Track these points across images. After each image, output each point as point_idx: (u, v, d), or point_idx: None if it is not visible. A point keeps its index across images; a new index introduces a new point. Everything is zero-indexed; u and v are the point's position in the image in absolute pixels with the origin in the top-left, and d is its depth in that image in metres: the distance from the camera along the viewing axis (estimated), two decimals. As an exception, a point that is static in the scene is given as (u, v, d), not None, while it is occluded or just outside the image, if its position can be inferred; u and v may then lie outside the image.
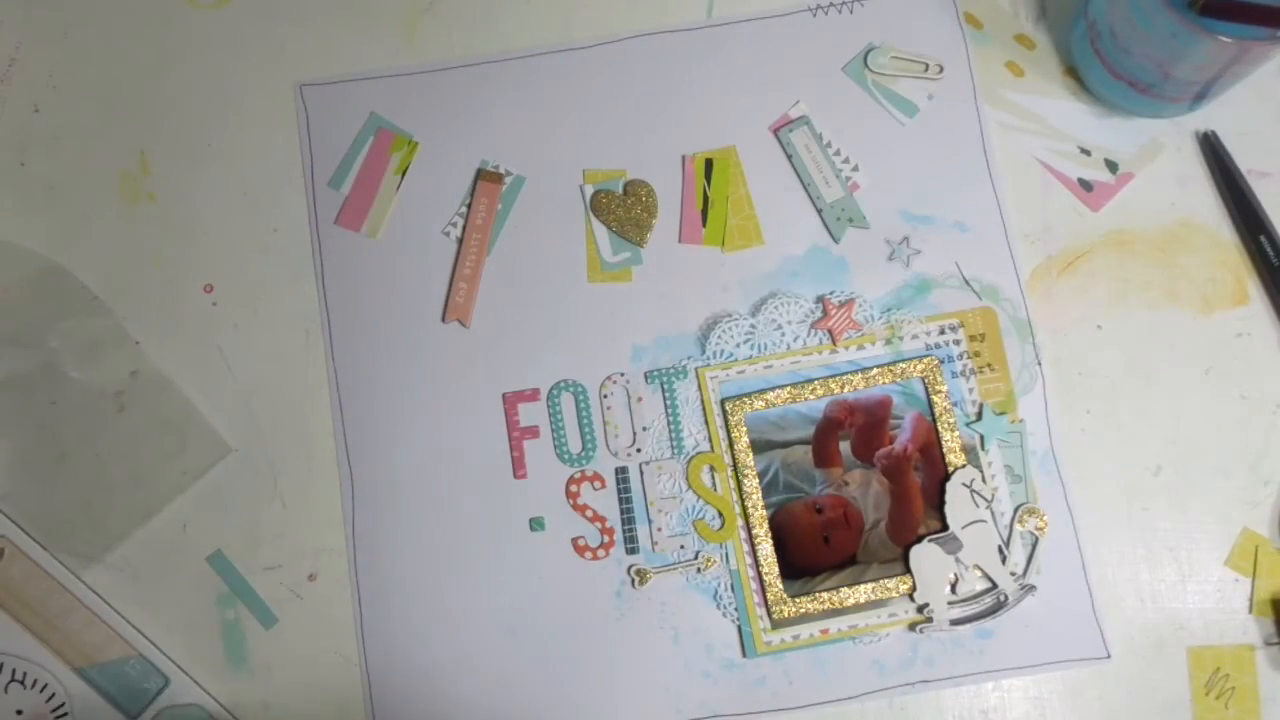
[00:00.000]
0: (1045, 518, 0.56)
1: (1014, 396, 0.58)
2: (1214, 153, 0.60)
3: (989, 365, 0.58)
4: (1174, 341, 0.59)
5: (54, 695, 0.57)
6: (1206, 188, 0.61)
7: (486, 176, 0.60)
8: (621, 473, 0.58)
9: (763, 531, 0.57)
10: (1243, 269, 0.60)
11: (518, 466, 0.58)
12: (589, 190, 0.60)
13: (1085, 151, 0.61)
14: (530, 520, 0.58)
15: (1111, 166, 0.61)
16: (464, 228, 0.60)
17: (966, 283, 0.58)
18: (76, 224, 0.61)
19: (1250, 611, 0.58)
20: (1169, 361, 0.59)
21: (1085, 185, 0.61)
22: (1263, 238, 0.59)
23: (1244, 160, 0.60)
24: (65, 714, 0.57)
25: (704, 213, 0.60)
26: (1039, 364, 0.58)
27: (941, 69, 0.60)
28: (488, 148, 0.61)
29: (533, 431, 0.58)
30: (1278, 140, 0.61)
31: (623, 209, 0.60)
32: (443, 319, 0.59)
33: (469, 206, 0.60)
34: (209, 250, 0.61)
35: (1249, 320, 0.60)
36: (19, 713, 0.57)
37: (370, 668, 0.56)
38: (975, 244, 0.59)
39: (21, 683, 0.57)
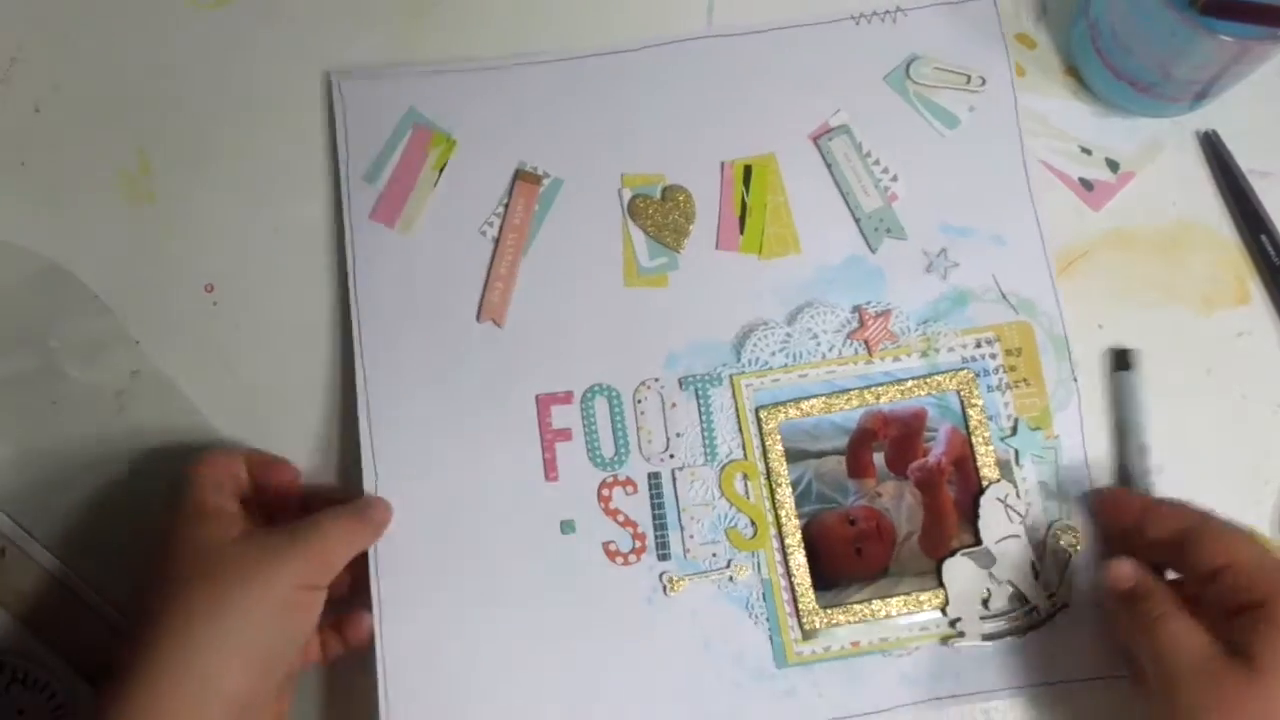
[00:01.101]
0: (1079, 534, 0.56)
1: (1050, 412, 0.57)
2: (1215, 152, 0.61)
3: (1025, 380, 0.58)
4: (1174, 341, 0.59)
5: (54, 695, 0.57)
6: (1207, 187, 0.62)
7: (525, 177, 0.60)
8: (654, 478, 0.58)
9: (795, 541, 0.57)
10: (1244, 268, 0.61)
11: (549, 469, 0.58)
12: (627, 194, 0.60)
13: (1086, 151, 0.61)
14: (561, 523, 0.57)
15: (1112, 166, 0.61)
16: (501, 227, 0.59)
17: (1004, 296, 0.58)
18: (76, 224, 0.61)
19: None
20: (1169, 361, 0.59)
21: (1086, 184, 0.61)
22: (1264, 237, 0.60)
23: (1244, 160, 0.61)
24: (66, 714, 0.57)
25: (741, 220, 0.59)
26: (1075, 380, 0.58)
27: (984, 81, 0.60)
28: (526, 149, 0.61)
29: (565, 434, 0.58)
30: (1278, 140, 0.61)
31: (660, 214, 0.59)
32: (477, 318, 0.59)
33: (506, 206, 0.60)
34: (209, 250, 0.61)
35: (1250, 320, 0.60)
36: (20, 713, 0.57)
37: (388, 669, 0.55)
38: (1013, 258, 0.59)
39: (23, 683, 0.57)
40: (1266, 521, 0.58)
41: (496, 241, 0.59)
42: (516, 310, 0.59)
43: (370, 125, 0.61)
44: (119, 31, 0.63)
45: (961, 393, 0.58)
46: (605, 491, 0.58)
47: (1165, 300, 0.60)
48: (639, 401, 0.58)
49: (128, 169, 0.62)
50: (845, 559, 0.57)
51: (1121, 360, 0.59)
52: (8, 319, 0.60)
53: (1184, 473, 0.58)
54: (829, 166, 0.60)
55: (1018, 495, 0.57)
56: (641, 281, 0.59)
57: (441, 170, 0.60)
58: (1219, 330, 0.60)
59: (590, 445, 0.58)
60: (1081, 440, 0.58)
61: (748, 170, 0.60)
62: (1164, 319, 0.60)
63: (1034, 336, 0.58)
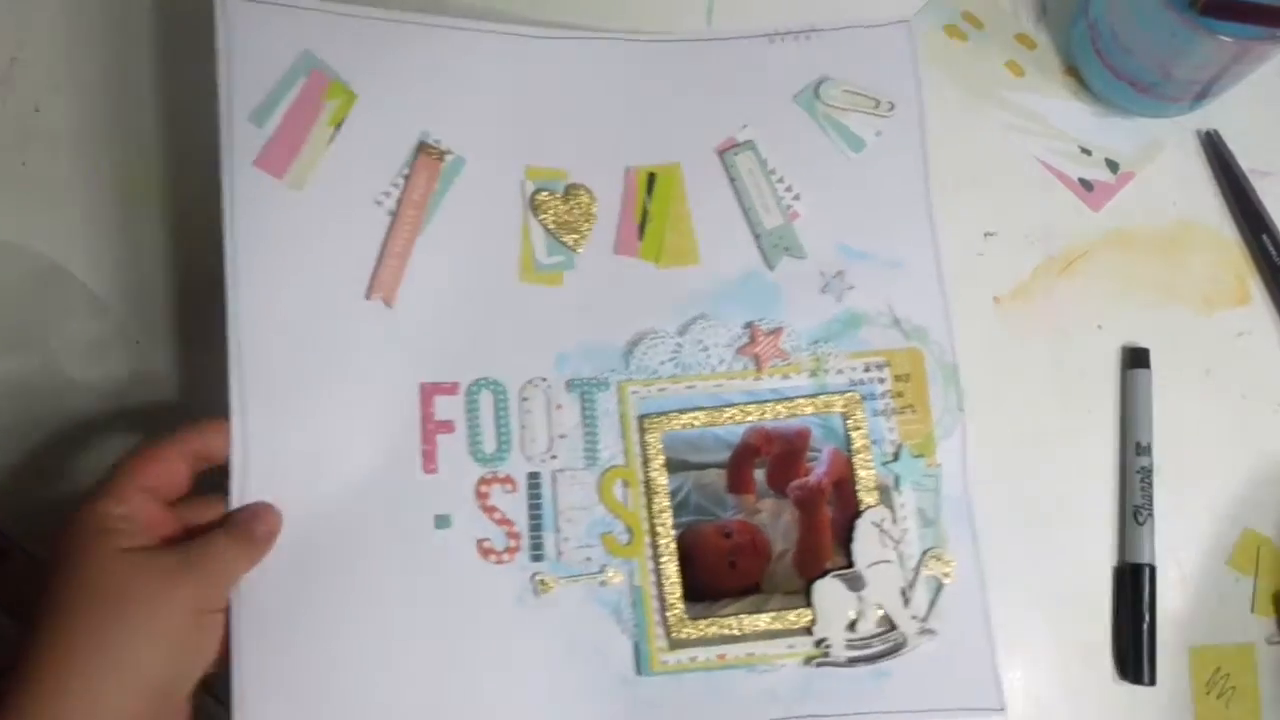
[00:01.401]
0: (952, 564, 0.56)
1: (933, 440, 0.57)
2: (1216, 152, 0.62)
3: (911, 407, 0.58)
4: (1174, 341, 0.61)
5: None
6: (1207, 187, 0.63)
7: (427, 151, 0.58)
8: (534, 478, 0.57)
9: (669, 551, 0.56)
10: (1244, 268, 0.62)
11: (428, 460, 0.56)
12: (530, 186, 0.59)
13: (1086, 151, 0.62)
14: (436, 517, 0.56)
15: (1112, 166, 0.62)
16: (399, 200, 0.57)
17: (896, 322, 0.59)
18: (77, 224, 0.60)
19: (1252, 611, 0.59)
20: (1169, 361, 0.60)
21: (1086, 185, 0.62)
22: (1265, 236, 0.61)
23: (1245, 160, 0.63)
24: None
25: (642, 226, 0.59)
26: (960, 410, 0.58)
27: (892, 106, 0.60)
28: (430, 119, 0.59)
29: (448, 426, 0.57)
30: (1278, 140, 0.63)
31: (562, 211, 0.59)
32: (366, 295, 0.57)
33: (406, 179, 0.58)
34: (211, 250, 0.59)
35: (1250, 320, 0.61)
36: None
37: (243, 666, 0.52)
38: (909, 285, 0.59)
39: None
40: (1266, 522, 0.59)
41: (394, 215, 0.57)
42: (407, 292, 0.57)
43: (261, 58, 0.57)
44: (120, 31, 0.63)
45: (846, 415, 0.57)
46: (484, 488, 0.56)
47: (1165, 300, 0.62)
48: (525, 399, 0.57)
49: (129, 168, 0.61)
50: (718, 572, 0.56)
51: (1136, 358, 0.60)
52: (8, 319, 0.60)
53: (1184, 473, 0.59)
54: (732, 181, 0.60)
55: (894, 521, 0.56)
56: (537, 278, 0.58)
57: (338, 127, 0.58)
58: (1219, 330, 0.61)
59: (473, 440, 0.57)
60: (963, 470, 0.57)
61: (651, 177, 0.60)
62: (1164, 319, 0.61)
63: (924, 364, 0.58)
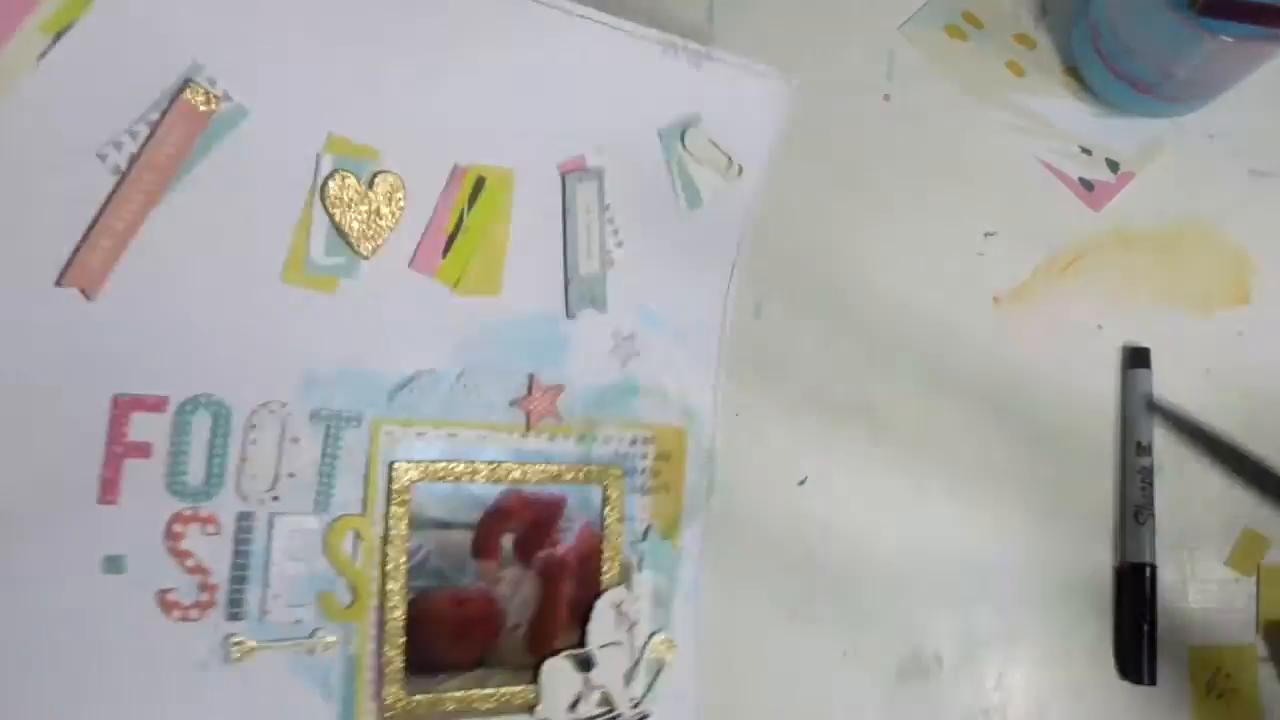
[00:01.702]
0: (674, 647, 0.56)
1: (680, 523, 0.55)
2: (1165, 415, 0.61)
3: (666, 487, 0.55)
4: (1174, 341, 0.62)
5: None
6: (1208, 187, 0.64)
7: (193, 93, 0.41)
8: (245, 519, 0.45)
9: (396, 617, 0.49)
10: (1243, 268, 0.64)
11: (108, 489, 0.43)
12: (327, 163, 0.45)
13: (1086, 151, 0.62)
14: (106, 558, 0.43)
15: (1112, 166, 0.62)
16: (135, 156, 0.40)
17: (670, 399, 0.54)
18: None
19: (1257, 632, 0.61)
20: (1169, 361, 0.61)
21: (1086, 185, 0.61)
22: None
23: (1245, 160, 0.64)
24: None
25: (451, 239, 0.48)
26: (709, 496, 0.56)
27: (741, 171, 0.54)
28: (203, 45, 0.42)
29: (143, 449, 0.43)
30: (1278, 140, 0.65)
31: (358, 202, 0.45)
32: (58, 280, 0.41)
33: (153, 128, 0.40)
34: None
35: (1250, 320, 0.63)
36: None
37: None
38: (690, 361, 0.55)
39: None
40: (1266, 522, 0.62)
41: (122, 176, 0.40)
42: (121, 279, 0.42)
43: None
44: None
45: (606, 488, 0.53)
46: (177, 527, 0.44)
47: (1165, 300, 0.62)
48: (253, 426, 0.45)
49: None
50: (446, 643, 0.50)
51: (1136, 358, 0.60)
52: None
53: (1183, 474, 0.61)
54: (565, 210, 0.50)
55: (631, 602, 0.55)
56: (305, 280, 0.45)
57: (57, 37, 0.39)
58: (1219, 330, 0.63)
59: (174, 468, 0.44)
60: (699, 556, 0.56)
61: (480, 182, 0.48)
62: (1164, 319, 0.62)
63: (685, 445, 0.55)
